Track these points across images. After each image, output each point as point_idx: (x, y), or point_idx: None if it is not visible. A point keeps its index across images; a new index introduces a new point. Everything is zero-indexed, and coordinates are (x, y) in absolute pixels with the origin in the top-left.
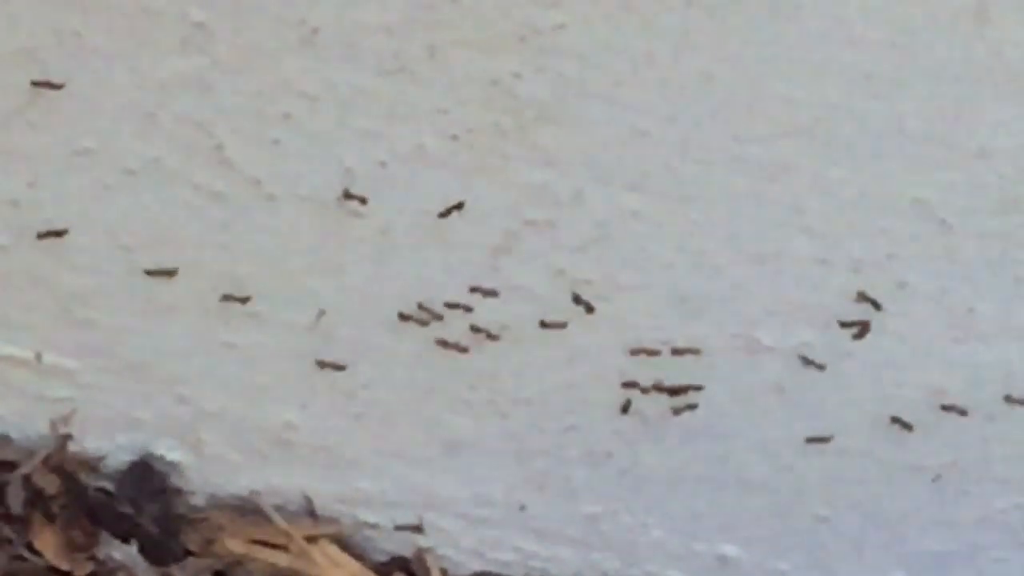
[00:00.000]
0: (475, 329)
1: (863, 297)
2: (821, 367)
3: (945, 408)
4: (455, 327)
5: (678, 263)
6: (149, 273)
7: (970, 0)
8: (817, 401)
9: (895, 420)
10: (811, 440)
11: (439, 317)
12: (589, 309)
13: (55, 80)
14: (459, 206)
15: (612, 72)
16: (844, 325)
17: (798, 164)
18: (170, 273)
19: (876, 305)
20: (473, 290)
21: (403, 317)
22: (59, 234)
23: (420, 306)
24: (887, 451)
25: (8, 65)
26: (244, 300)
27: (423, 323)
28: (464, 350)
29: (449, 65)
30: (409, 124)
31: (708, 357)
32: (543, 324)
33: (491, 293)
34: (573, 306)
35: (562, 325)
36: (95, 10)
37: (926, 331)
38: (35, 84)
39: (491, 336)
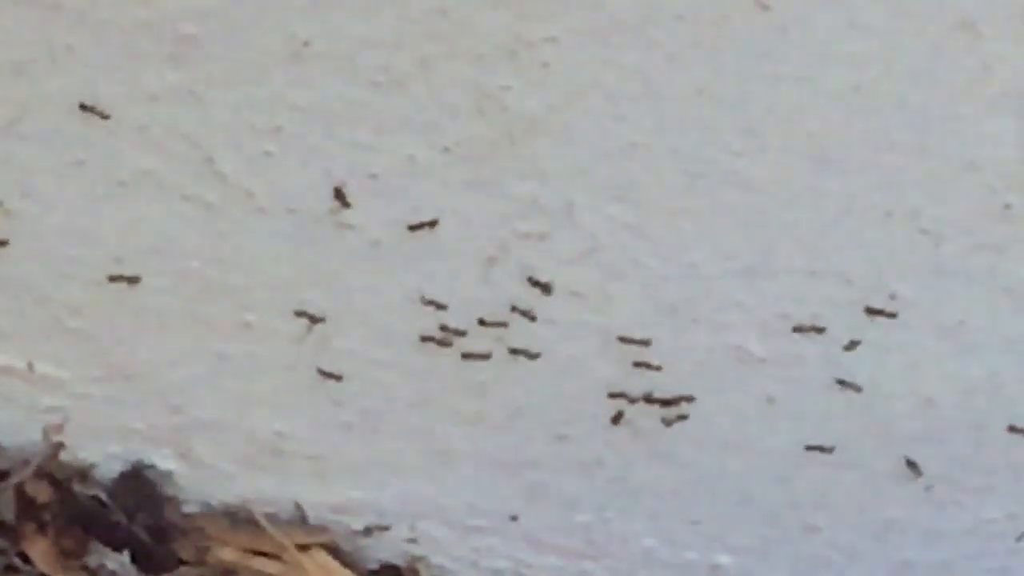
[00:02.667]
0: (514, 351)
1: (871, 311)
2: (858, 389)
3: (1013, 429)
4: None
5: (669, 275)
6: (112, 279)
7: (959, 14)
8: (808, 412)
9: (910, 464)
10: (811, 448)
11: (462, 334)
12: (546, 290)
13: (104, 111)
14: (432, 223)
15: (603, 85)
16: (798, 330)
17: (788, 176)
18: (132, 280)
19: (890, 315)
20: (514, 310)
21: (426, 339)
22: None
23: (443, 327)
24: (878, 461)
25: (1, 77)
26: (319, 320)
27: (446, 344)
28: (486, 357)
29: (440, 78)
30: (400, 136)
31: (699, 368)
32: (481, 322)
33: (529, 315)
34: (561, 315)
35: (503, 324)
36: (87, 23)
37: (916, 342)
38: (83, 108)
39: (530, 355)
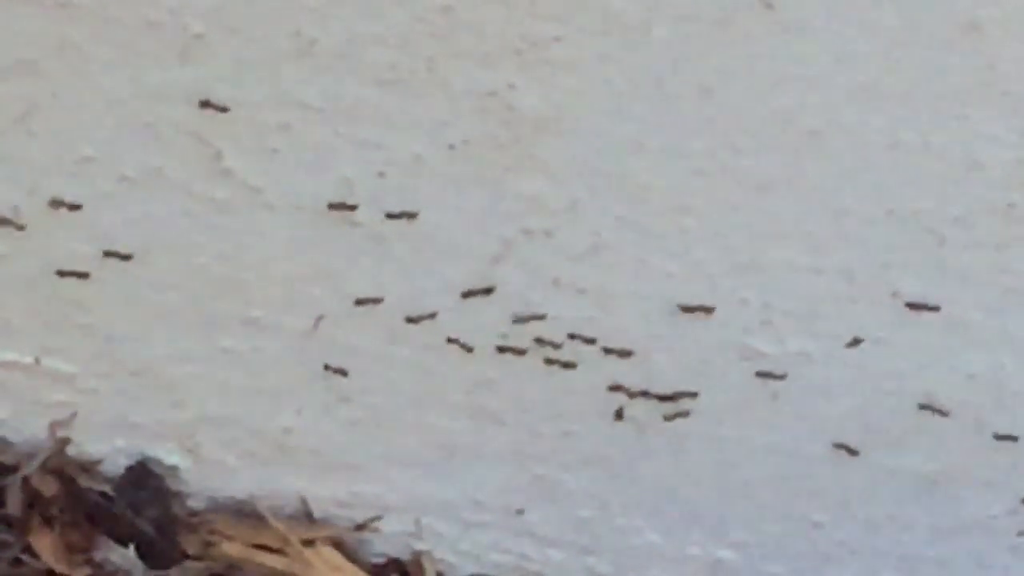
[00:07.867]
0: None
1: (912, 306)
2: (944, 413)
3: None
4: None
5: (673, 272)
6: (61, 274)
7: (963, 14)
8: (811, 408)
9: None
10: (838, 446)
11: (558, 346)
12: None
13: (222, 104)
14: (412, 215)
15: (607, 84)
16: (687, 309)
17: (792, 175)
18: (83, 275)
19: (932, 308)
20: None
21: (504, 349)
22: None
23: (537, 340)
24: (881, 457)
25: (10, 75)
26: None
27: (520, 353)
28: (572, 366)
29: (446, 77)
30: (407, 135)
31: (703, 364)
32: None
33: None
34: (565, 314)
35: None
36: (96, 22)
37: (919, 340)
38: (203, 105)
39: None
